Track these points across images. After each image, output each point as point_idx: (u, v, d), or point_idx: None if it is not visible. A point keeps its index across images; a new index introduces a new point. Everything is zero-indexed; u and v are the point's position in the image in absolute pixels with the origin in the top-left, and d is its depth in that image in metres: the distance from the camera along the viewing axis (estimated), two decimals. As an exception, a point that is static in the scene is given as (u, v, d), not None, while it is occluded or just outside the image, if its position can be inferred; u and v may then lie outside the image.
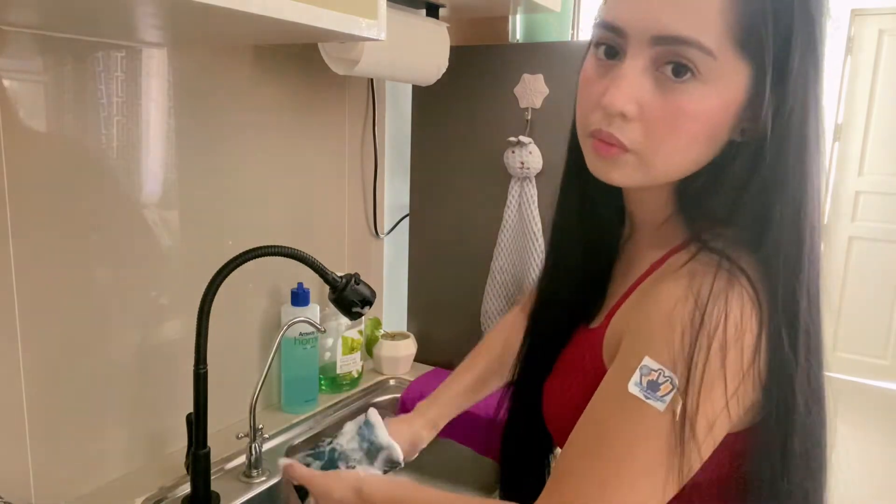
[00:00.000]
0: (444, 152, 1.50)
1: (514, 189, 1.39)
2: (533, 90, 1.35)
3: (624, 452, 0.58)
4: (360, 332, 1.42)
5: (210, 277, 0.94)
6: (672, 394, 0.56)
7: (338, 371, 1.38)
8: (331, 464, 0.87)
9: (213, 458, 1.00)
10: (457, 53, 1.35)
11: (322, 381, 1.38)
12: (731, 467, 0.62)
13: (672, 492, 0.58)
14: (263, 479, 1.09)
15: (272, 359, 1.10)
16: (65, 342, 0.97)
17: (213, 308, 0.93)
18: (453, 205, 1.50)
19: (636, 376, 0.57)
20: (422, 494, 0.75)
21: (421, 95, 1.51)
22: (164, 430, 1.13)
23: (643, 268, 0.68)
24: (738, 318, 0.56)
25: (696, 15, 0.55)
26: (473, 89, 1.43)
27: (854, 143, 3.76)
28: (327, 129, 1.36)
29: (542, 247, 1.38)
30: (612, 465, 0.58)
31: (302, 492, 0.84)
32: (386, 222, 1.57)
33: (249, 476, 1.09)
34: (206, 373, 0.95)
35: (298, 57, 1.26)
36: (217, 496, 1.01)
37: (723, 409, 0.57)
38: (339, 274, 1.03)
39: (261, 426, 1.09)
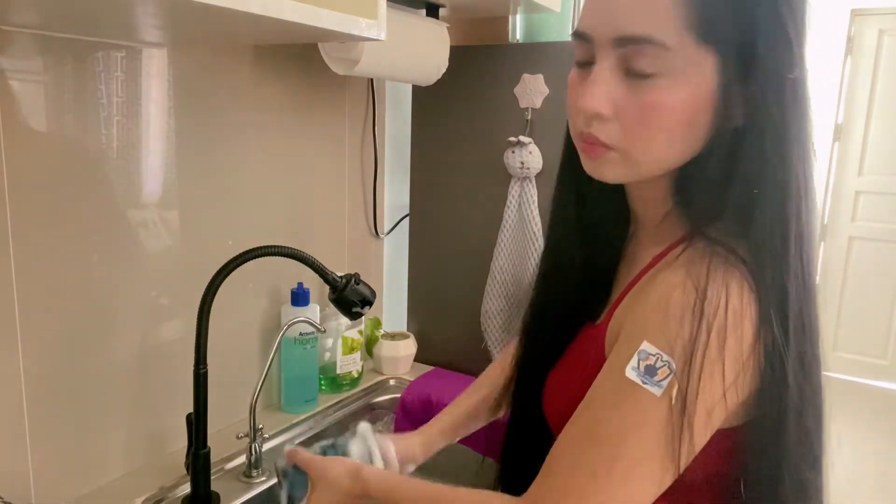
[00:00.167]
0: (444, 152, 1.50)
1: (514, 189, 1.39)
2: (533, 90, 1.35)
3: (618, 440, 0.57)
4: (360, 332, 1.42)
5: (210, 277, 0.94)
6: (669, 378, 0.56)
7: (338, 371, 1.38)
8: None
9: (213, 458, 1.00)
10: (457, 53, 1.35)
11: (322, 381, 1.38)
12: (725, 466, 0.62)
13: (667, 482, 0.58)
14: (263, 479, 1.09)
15: (272, 359, 1.10)
16: (65, 342, 0.97)
17: (213, 308, 0.93)
18: (453, 205, 1.50)
19: (634, 361, 0.57)
20: (415, 483, 0.75)
21: (421, 95, 1.51)
22: (164, 430, 1.13)
23: (644, 262, 0.68)
24: (738, 306, 0.56)
25: (650, 13, 0.57)
26: (473, 89, 1.43)
27: (854, 143, 3.76)
28: (327, 129, 1.36)
29: (543, 247, 1.37)
30: (604, 452, 0.58)
31: (288, 477, 0.85)
32: (386, 222, 1.57)
33: (249, 476, 1.09)
34: (206, 373, 0.95)
35: (298, 57, 1.26)
36: (217, 496, 1.01)
37: (721, 398, 0.57)
38: (339, 274, 1.03)
39: (261, 426, 1.09)
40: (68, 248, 0.95)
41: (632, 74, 0.59)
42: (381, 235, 1.56)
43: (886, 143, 3.68)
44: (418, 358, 1.55)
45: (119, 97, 0.99)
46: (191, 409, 0.96)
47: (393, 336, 1.52)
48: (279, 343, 1.12)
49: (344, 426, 1.30)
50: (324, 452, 0.88)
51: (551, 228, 0.79)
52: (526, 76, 1.36)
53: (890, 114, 3.65)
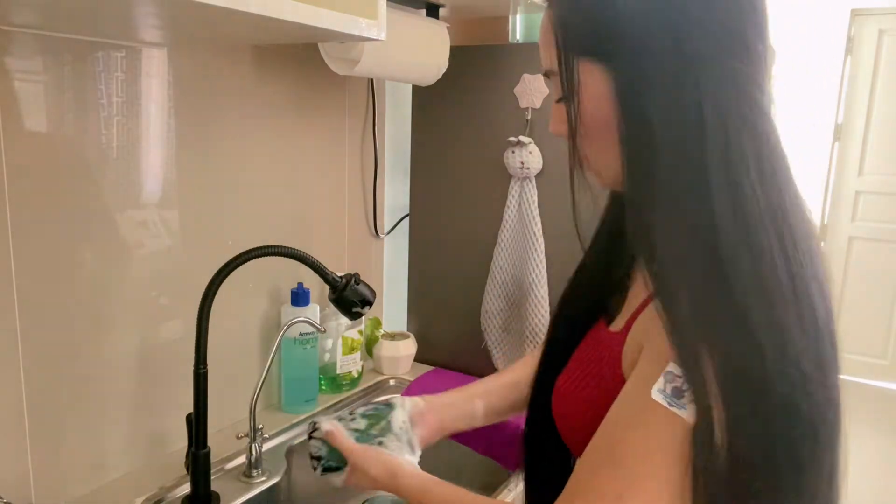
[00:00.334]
0: (444, 152, 1.50)
1: (514, 189, 1.39)
2: (533, 90, 1.35)
3: (643, 462, 0.57)
4: (360, 332, 1.42)
5: (210, 277, 0.94)
6: (693, 401, 0.55)
7: (338, 371, 1.38)
8: (366, 438, 0.89)
9: (213, 458, 1.00)
10: (457, 53, 1.35)
11: (322, 381, 1.38)
12: None
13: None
14: (263, 479, 1.09)
15: (272, 359, 1.10)
16: (65, 342, 0.97)
17: (213, 308, 0.93)
18: (453, 205, 1.50)
19: (660, 383, 0.56)
20: (449, 490, 0.77)
21: (421, 95, 1.51)
22: (164, 430, 1.13)
23: None
24: None
25: (545, 48, 0.65)
26: (473, 89, 1.43)
27: (854, 143, 3.76)
28: (327, 129, 1.36)
29: (543, 247, 1.38)
30: (628, 474, 0.57)
31: (324, 460, 0.86)
32: (386, 222, 1.57)
33: (249, 476, 1.09)
34: (206, 373, 0.95)
35: (298, 57, 1.26)
36: (217, 496, 1.01)
37: None
38: (339, 274, 1.03)
39: (261, 426, 1.09)
40: (68, 248, 0.95)
41: (561, 99, 0.65)
42: (381, 235, 1.56)
43: (886, 143, 3.68)
44: (418, 358, 1.55)
45: (119, 97, 0.99)
46: (191, 409, 0.96)
47: (393, 336, 1.52)
48: (279, 343, 1.12)
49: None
50: (365, 431, 0.88)
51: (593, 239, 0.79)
52: (526, 76, 1.36)
53: (890, 114, 3.65)
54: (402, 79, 1.32)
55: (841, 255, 3.83)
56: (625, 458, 0.58)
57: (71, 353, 0.98)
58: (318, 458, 0.87)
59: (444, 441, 1.07)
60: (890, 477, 2.94)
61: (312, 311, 1.27)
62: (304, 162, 1.32)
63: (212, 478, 1.00)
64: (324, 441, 0.86)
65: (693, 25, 0.57)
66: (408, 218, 1.59)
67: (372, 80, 1.45)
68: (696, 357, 0.55)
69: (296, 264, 0.99)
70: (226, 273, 0.94)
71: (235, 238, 1.19)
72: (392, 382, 1.48)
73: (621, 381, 0.62)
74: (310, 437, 0.88)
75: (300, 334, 1.27)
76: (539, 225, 1.37)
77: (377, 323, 1.55)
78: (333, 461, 0.86)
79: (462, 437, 1.28)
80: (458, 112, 1.46)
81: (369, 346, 1.52)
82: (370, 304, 1.04)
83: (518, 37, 1.67)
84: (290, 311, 1.26)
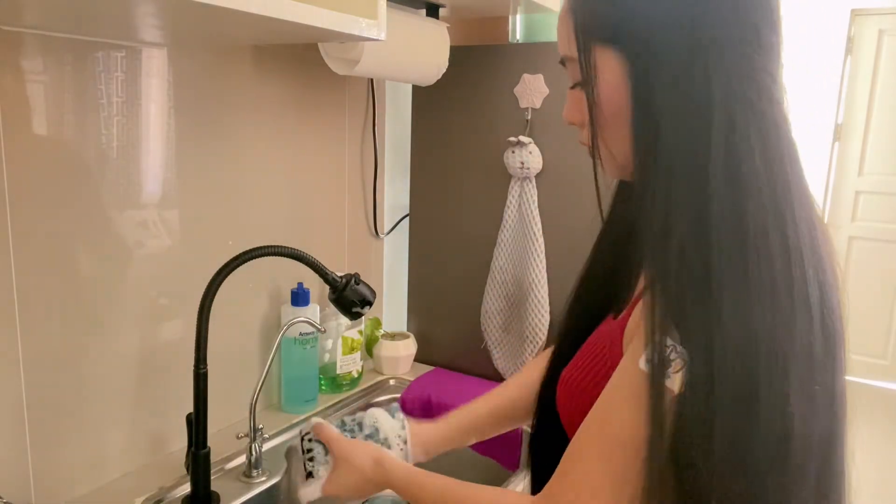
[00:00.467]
0: (444, 152, 1.50)
1: (514, 189, 1.39)
2: (533, 90, 1.35)
3: (632, 432, 0.57)
4: (360, 332, 1.42)
5: (210, 277, 0.94)
6: (682, 372, 0.55)
7: (338, 371, 1.38)
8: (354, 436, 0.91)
9: (213, 458, 1.00)
10: (457, 53, 1.35)
11: (322, 381, 1.38)
12: None
13: None
14: (263, 479, 1.09)
15: (272, 359, 1.10)
16: (65, 342, 0.97)
17: (213, 308, 0.93)
18: (453, 205, 1.50)
19: (648, 352, 0.56)
20: (434, 478, 0.77)
21: (421, 95, 1.51)
22: (164, 430, 1.13)
23: None
24: None
25: (562, 34, 0.66)
26: (473, 89, 1.43)
27: (854, 143, 3.76)
28: (327, 129, 1.36)
29: (543, 247, 1.38)
30: (618, 445, 0.58)
31: (311, 450, 0.88)
32: (386, 222, 1.57)
33: (249, 476, 1.09)
34: (206, 373, 0.95)
35: (298, 57, 1.26)
36: (217, 496, 1.01)
37: None
38: (339, 274, 1.03)
39: (261, 426, 1.09)
40: (68, 248, 0.95)
41: (576, 86, 0.67)
42: (381, 235, 1.56)
43: (886, 143, 3.68)
44: (418, 358, 1.55)
45: (119, 97, 0.99)
46: (191, 409, 0.96)
47: (393, 336, 1.52)
48: (279, 343, 1.12)
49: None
50: (352, 428, 0.90)
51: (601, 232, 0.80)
52: (526, 76, 1.36)
53: (890, 114, 3.65)
54: (402, 79, 1.32)
55: (841, 255, 3.83)
56: (614, 429, 0.59)
57: (71, 353, 0.98)
58: (305, 451, 0.88)
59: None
60: (890, 477, 2.94)
61: (312, 311, 1.27)
62: (304, 162, 1.32)
63: (212, 478, 1.00)
64: (309, 445, 0.88)
65: (707, 13, 0.58)
66: (408, 218, 1.59)
67: (372, 80, 1.45)
68: (663, 334, 0.55)
69: (296, 264, 0.99)
70: (226, 273, 0.94)
71: (235, 238, 1.19)
72: (392, 382, 1.48)
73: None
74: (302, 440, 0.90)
75: (300, 334, 1.27)
76: (539, 225, 1.37)
77: (377, 323, 1.55)
78: (319, 451, 0.87)
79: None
80: (458, 112, 1.46)
81: (369, 346, 1.52)
82: (370, 304, 1.04)
83: (518, 37, 1.68)
84: (290, 311, 1.26)
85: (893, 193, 3.70)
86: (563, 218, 1.35)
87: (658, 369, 0.55)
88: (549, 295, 1.38)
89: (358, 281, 1.03)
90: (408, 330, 1.61)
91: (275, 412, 1.30)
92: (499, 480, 1.18)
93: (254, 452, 1.09)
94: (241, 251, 0.95)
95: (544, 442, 0.83)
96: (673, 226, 0.56)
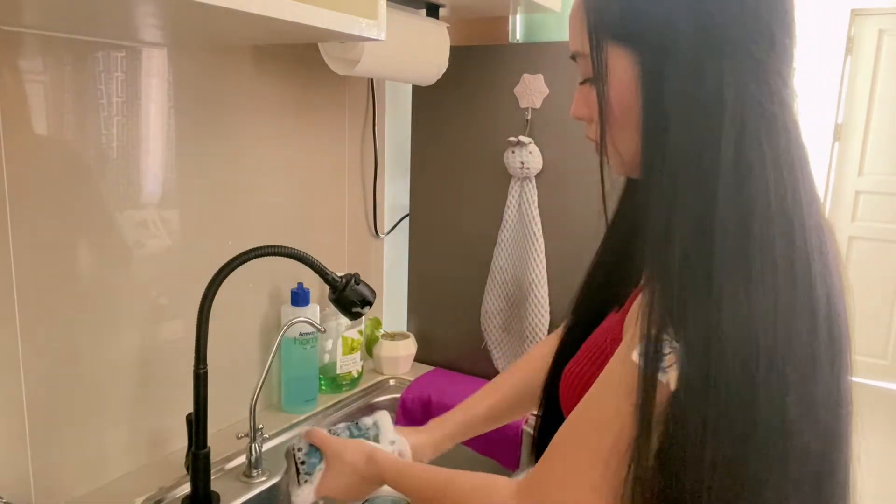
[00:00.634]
0: (444, 152, 1.50)
1: (514, 189, 1.39)
2: (533, 90, 1.35)
3: (618, 421, 0.57)
4: (360, 332, 1.42)
5: (210, 277, 0.94)
6: (676, 366, 0.55)
7: (338, 371, 1.38)
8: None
9: (213, 458, 1.00)
10: (457, 53, 1.35)
11: (322, 381, 1.38)
12: None
13: None
14: (263, 479, 1.09)
15: (272, 359, 1.10)
16: (65, 342, 0.97)
17: (213, 308, 0.93)
18: (453, 205, 1.50)
19: (642, 345, 0.56)
20: (424, 469, 0.78)
21: (421, 95, 1.51)
22: (164, 430, 1.13)
23: None
24: None
25: (574, 30, 0.66)
26: (473, 89, 1.43)
27: (854, 143, 3.76)
28: (327, 129, 1.36)
29: (543, 247, 1.38)
30: (604, 433, 0.58)
31: (302, 455, 0.90)
32: (386, 222, 1.57)
33: (249, 476, 1.09)
34: (206, 373, 0.95)
35: (298, 57, 1.26)
36: (217, 496, 1.01)
37: None
38: (339, 274, 1.03)
39: (261, 426, 1.09)
40: (68, 248, 0.95)
41: (586, 81, 0.66)
42: (381, 235, 1.56)
43: (886, 143, 3.68)
44: (418, 358, 1.55)
45: (119, 97, 0.99)
46: (191, 409, 0.96)
47: (393, 336, 1.52)
48: (279, 343, 1.12)
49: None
50: (346, 431, 0.92)
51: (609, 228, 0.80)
52: (526, 76, 1.36)
53: (890, 114, 3.65)
54: (402, 79, 1.32)
55: (841, 255, 3.83)
56: (602, 417, 0.59)
57: (71, 353, 0.98)
58: (295, 455, 0.89)
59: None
60: (890, 477, 2.94)
61: (312, 311, 1.27)
62: (304, 162, 1.32)
63: (212, 478, 1.00)
64: (300, 449, 0.90)
65: (720, 14, 0.57)
66: (408, 218, 1.59)
67: (372, 79, 1.45)
68: (660, 330, 0.55)
69: (296, 264, 0.99)
70: (226, 273, 0.94)
71: (235, 238, 1.19)
72: (392, 382, 1.48)
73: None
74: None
75: (300, 334, 1.27)
76: (539, 225, 1.37)
77: (377, 323, 1.55)
78: (311, 456, 0.89)
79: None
80: (457, 112, 1.46)
81: (369, 346, 1.52)
82: (370, 304, 1.05)
83: (518, 37, 1.68)
84: (290, 311, 1.26)
85: (893, 193, 3.70)
86: (563, 218, 1.35)
87: (651, 362, 0.55)
88: (549, 295, 1.38)
89: (358, 281, 1.03)
90: (408, 330, 1.61)
91: (275, 412, 1.30)
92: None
93: (254, 452, 1.09)
94: (241, 251, 0.95)
95: (550, 436, 0.83)
96: (676, 228, 0.56)
